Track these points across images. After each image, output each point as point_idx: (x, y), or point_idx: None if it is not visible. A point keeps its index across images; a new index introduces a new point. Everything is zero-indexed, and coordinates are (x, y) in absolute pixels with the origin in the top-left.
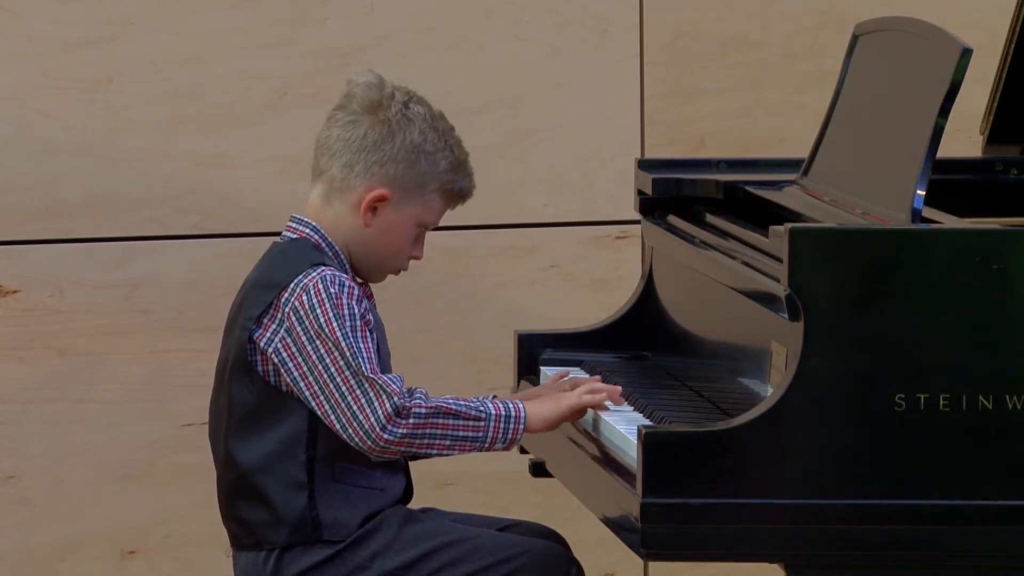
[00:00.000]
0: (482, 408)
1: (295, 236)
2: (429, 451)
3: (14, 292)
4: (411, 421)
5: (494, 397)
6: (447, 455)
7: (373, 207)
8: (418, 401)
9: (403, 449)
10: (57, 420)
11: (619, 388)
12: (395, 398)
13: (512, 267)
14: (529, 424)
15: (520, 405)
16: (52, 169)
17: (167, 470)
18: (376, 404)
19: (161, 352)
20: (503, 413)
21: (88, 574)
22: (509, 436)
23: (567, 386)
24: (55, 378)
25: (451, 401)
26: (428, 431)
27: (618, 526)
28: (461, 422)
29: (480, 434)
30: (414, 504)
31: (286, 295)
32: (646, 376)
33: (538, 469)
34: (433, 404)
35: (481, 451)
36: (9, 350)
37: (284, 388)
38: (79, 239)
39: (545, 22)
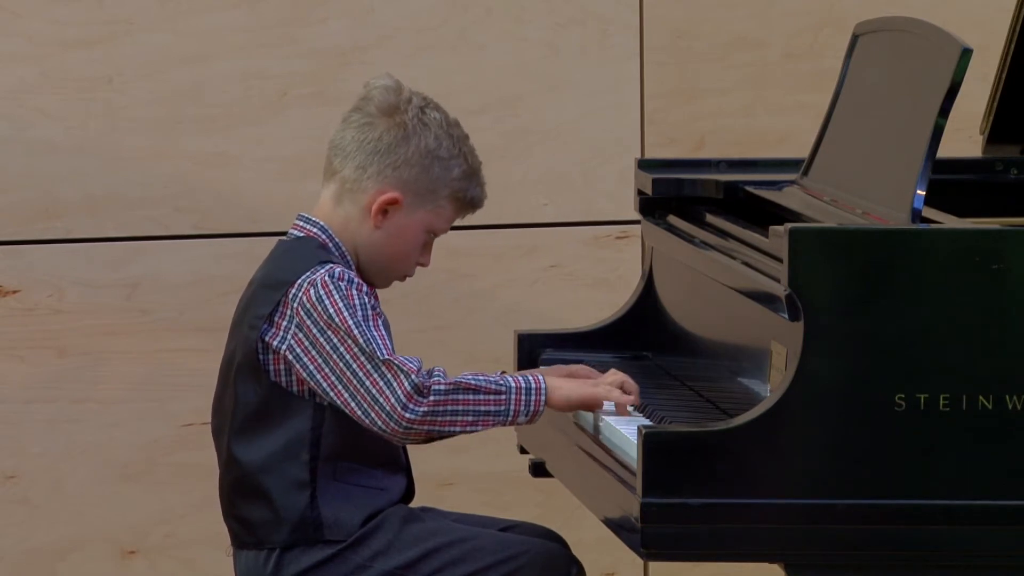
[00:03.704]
0: (502, 382)
1: (301, 234)
2: (452, 428)
3: (14, 292)
4: (431, 399)
5: (502, 373)
6: (471, 431)
7: (384, 210)
8: (437, 378)
9: (427, 428)
10: (57, 420)
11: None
12: (413, 376)
13: (513, 267)
14: (550, 398)
15: (540, 378)
16: (52, 169)
17: (167, 470)
18: (395, 384)
19: (161, 352)
20: (524, 385)
21: (88, 574)
22: (532, 408)
23: (592, 375)
24: (55, 378)
25: (470, 377)
26: (450, 407)
27: (618, 526)
28: (482, 396)
29: (502, 407)
30: (414, 504)
31: (293, 291)
32: (646, 376)
33: (538, 469)
34: (452, 380)
35: (505, 425)
36: (9, 350)
37: (294, 388)
38: (79, 239)
39: (545, 22)
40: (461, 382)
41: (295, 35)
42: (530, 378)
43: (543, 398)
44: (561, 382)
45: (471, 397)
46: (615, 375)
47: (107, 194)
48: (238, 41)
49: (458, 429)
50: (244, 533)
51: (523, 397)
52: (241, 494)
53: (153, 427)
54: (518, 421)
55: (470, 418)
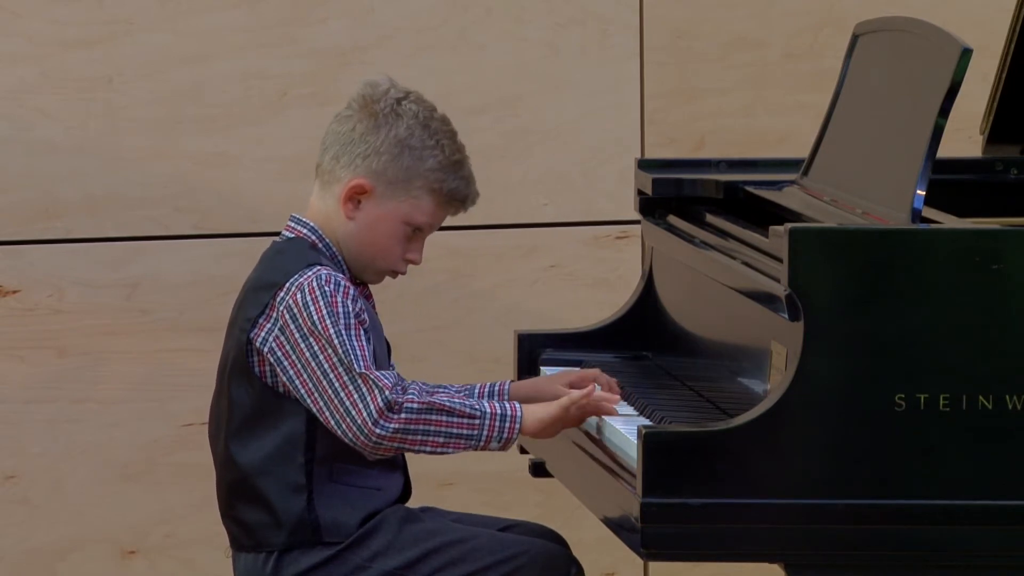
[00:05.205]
0: (477, 406)
1: (293, 236)
2: (423, 448)
3: (14, 292)
4: (403, 416)
5: (493, 388)
6: (441, 453)
7: (355, 199)
8: (411, 396)
9: (396, 445)
10: (57, 420)
11: (616, 396)
12: (386, 392)
13: (513, 267)
14: (525, 425)
15: (517, 405)
16: (52, 169)
17: (167, 470)
18: (368, 399)
19: (161, 352)
20: (499, 412)
21: (88, 574)
22: (505, 435)
23: (565, 386)
24: (55, 378)
25: (445, 398)
26: (421, 427)
27: (618, 526)
28: (455, 419)
29: (475, 432)
30: (413, 504)
31: (281, 294)
32: (646, 376)
33: (538, 469)
34: (426, 400)
35: (476, 450)
36: (9, 350)
37: (281, 389)
38: (79, 239)
39: (545, 22)
40: (435, 403)
41: (295, 35)
42: (507, 405)
43: (517, 426)
44: (534, 407)
45: (444, 419)
46: (581, 388)
47: (107, 194)
48: (238, 41)
49: (428, 449)
50: (242, 535)
51: (496, 423)
52: (238, 497)
53: (153, 427)
54: (490, 447)
55: (441, 439)
